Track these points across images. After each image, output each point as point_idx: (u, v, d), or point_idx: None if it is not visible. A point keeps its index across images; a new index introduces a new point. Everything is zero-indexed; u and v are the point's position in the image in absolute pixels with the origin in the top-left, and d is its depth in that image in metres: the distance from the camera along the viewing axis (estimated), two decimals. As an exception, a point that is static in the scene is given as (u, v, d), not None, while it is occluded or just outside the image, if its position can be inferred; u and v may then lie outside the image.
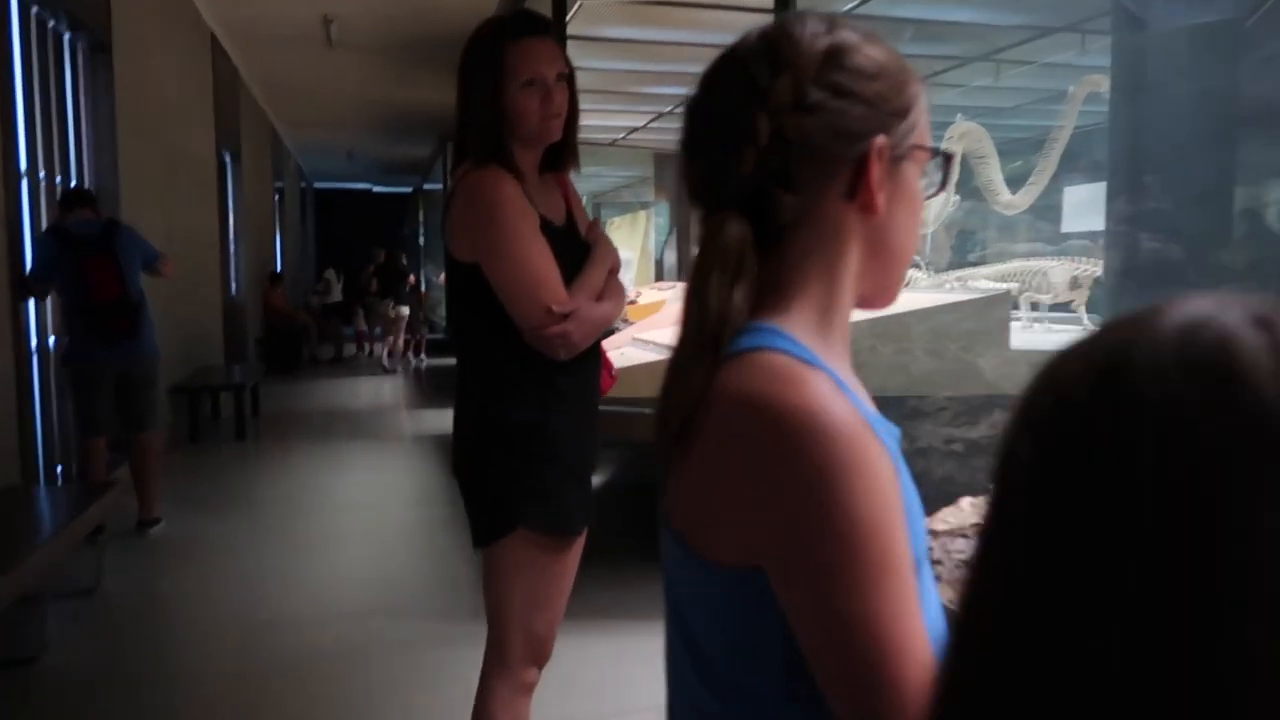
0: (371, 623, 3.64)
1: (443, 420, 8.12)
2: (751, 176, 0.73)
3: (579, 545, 1.92)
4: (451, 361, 10.89)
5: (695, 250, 0.75)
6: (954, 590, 1.70)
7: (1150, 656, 0.40)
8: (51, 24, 5.19)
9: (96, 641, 3.54)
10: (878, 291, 0.80)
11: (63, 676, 3.22)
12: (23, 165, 4.59)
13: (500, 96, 1.78)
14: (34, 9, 4.88)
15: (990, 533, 0.48)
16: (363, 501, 5.78)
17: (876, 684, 0.64)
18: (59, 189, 5.10)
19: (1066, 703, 0.42)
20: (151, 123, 6.67)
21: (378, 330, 13.54)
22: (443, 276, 15.87)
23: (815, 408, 0.65)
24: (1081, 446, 0.43)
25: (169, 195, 7.13)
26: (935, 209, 5.89)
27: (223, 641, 3.53)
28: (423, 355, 13.34)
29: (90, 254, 4.45)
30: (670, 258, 11.18)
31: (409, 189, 21.50)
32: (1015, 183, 6.08)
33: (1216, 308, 0.44)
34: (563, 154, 1.92)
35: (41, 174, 4.99)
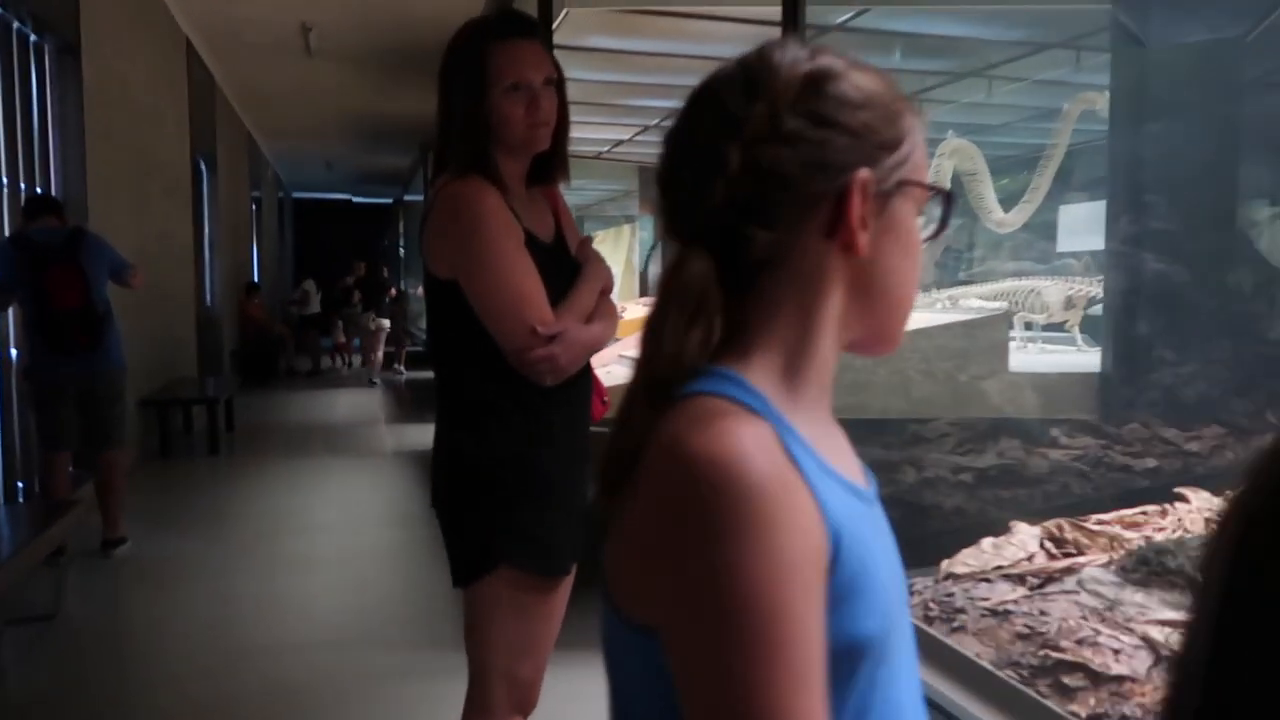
0: (349, 652, 3.50)
1: (424, 435, 7.92)
2: (722, 210, 0.69)
3: (567, 585, 1.80)
4: (430, 375, 10.69)
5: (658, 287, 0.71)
6: (980, 642, 1.58)
7: None
8: (16, 25, 5.03)
9: (56, 670, 3.38)
10: (873, 337, 0.75)
11: (19, 708, 3.06)
12: (-15, 171, 4.43)
13: (483, 102, 1.67)
14: (-1, 9, 4.72)
15: (1209, 631, 0.46)
16: (340, 522, 5.62)
17: None
18: (23, 196, 4.94)
19: None
20: (122, 128, 6.51)
21: (356, 342, 13.40)
22: (422, 289, 15.77)
23: (729, 458, 0.61)
24: None
25: (140, 203, 6.97)
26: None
27: (191, 670, 3.37)
28: (399, 367, 13.18)
29: (53, 263, 4.30)
30: (655, 272, 11.10)
31: (389, 200, 21.40)
32: (1004, 200, 6.02)
33: None
34: (551, 165, 1.81)
35: (4, 180, 4.82)
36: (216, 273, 10.29)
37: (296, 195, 22.02)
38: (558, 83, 1.75)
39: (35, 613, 3.74)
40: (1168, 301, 3.74)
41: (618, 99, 7.15)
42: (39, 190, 5.18)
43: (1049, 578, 1.78)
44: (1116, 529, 1.96)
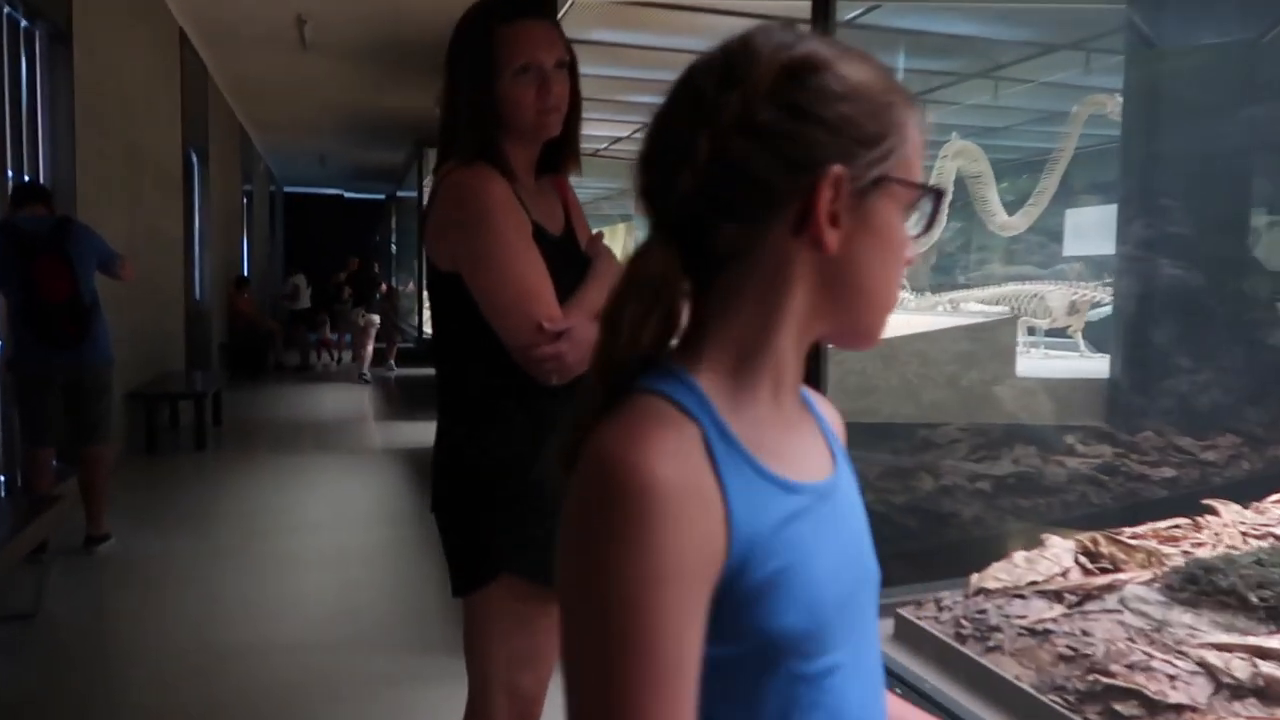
0: (338, 654, 3.41)
1: (415, 433, 7.97)
2: (690, 199, 0.68)
3: None
4: (424, 371, 10.77)
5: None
6: (1018, 663, 1.48)
7: None
8: (7, 10, 4.93)
9: (36, 670, 3.27)
10: (847, 332, 0.74)
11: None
12: (-29, 157, 4.32)
13: (491, 86, 1.59)
14: (-11, -7, 4.62)
15: None
16: (329, 520, 5.52)
17: None
18: (10, 184, 4.82)
19: None
20: (113, 118, 6.40)
21: (346, 338, 13.31)
22: (412, 284, 15.77)
23: (631, 462, 0.62)
24: None
25: (131, 194, 6.85)
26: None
27: (176, 671, 3.26)
28: (391, 363, 13.10)
29: (41, 252, 4.19)
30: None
31: (382, 196, 21.27)
32: (1008, 204, 5.97)
33: None
34: (562, 153, 1.73)
35: (-9, 167, 4.71)
36: (206, 266, 10.17)
37: (288, 190, 21.89)
38: (570, 66, 1.67)
39: (15, 611, 3.64)
40: (1181, 307, 3.68)
41: (617, 95, 7.07)
42: (26, 178, 5.06)
43: (1088, 595, 1.69)
44: (1153, 543, 1.89)
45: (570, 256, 1.69)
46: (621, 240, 12.06)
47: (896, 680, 1.61)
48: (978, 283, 6.73)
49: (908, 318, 4.75)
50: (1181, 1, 4.03)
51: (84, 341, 4.32)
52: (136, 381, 6.86)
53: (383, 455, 7.48)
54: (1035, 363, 4.89)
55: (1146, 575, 1.72)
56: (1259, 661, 1.36)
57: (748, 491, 0.66)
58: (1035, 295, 5.64)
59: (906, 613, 1.76)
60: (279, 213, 20.63)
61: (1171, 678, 1.36)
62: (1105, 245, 4.65)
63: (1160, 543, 1.91)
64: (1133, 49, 4.22)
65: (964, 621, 1.67)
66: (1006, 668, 1.49)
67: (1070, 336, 5.59)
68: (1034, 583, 1.74)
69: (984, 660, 1.54)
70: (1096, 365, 4.63)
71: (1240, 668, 1.35)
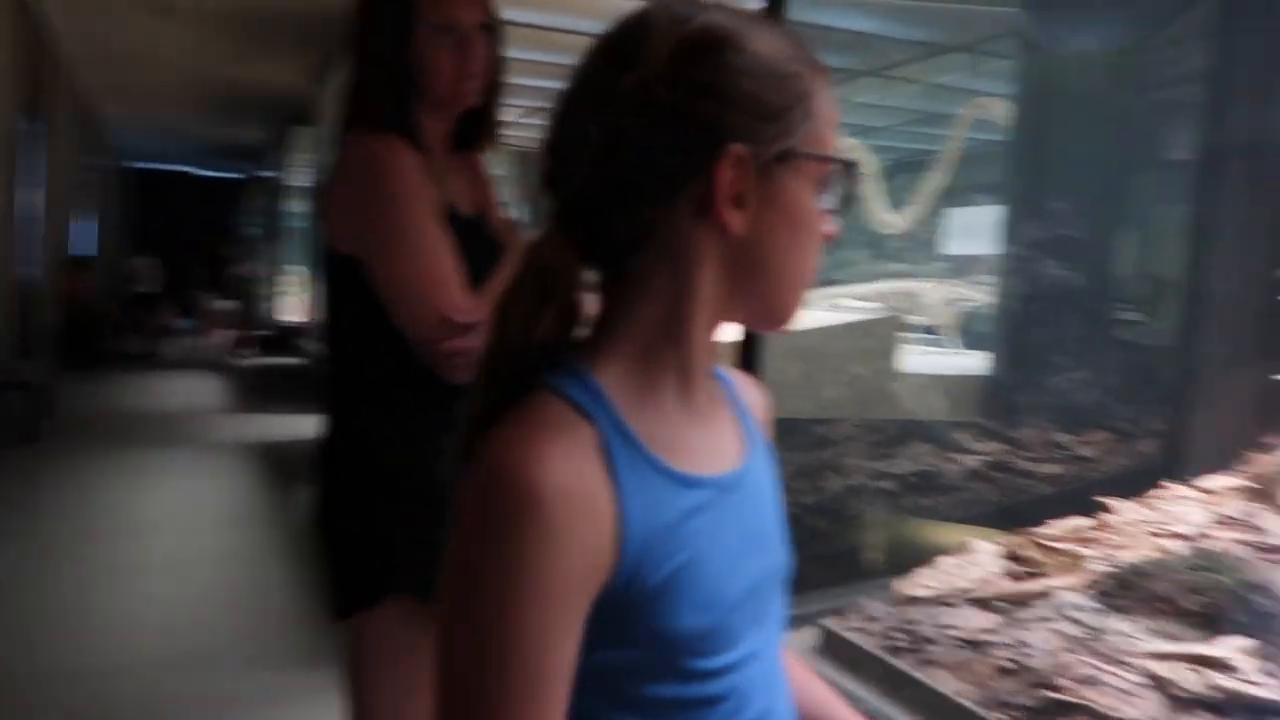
0: (184, 673, 3.10)
1: (269, 427, 7.54)
2: (589, 186, 0.66)
3: None
4: (280, 361, 10.19)
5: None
6: (956, 677, 1.38)
7: None
8: None
9: None
10: (761, 315, 0.72)
11: None
12: None
13: (405, 46, 1.45)
14: None
15: None
16: (173, 522, 5.09)
17: None
18: None
19: None
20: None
21: (196, 323, 12.60)
22: (262, 268, 15.11)
23: (516, 469, 0.61)
24: None
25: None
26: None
27: (-6, 699, 2.89)
28: (247, 351, 12.51)
29: None
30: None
31: (241, 175, 20.30)
32: (892, 203, 6.06)
33: None
34: (479, 127, 1.58)
35: None
36: (36, 245, 9.35)
37: (139, 165, 20.65)
38: (492, 29, 1.51)
39: None
40: (1060, 306, 3.76)
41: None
42: None
43: (1020, 602, 1.62)
44: (1073, 546, 1.84)
45: (483, 241, 1.54)
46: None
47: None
48: (855, 279, 6.83)
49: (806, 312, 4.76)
50: (1068, 7, 4.13)
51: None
52: (-46, 368, 6.21)
53: (233, 451, 7.01)
54: (913, 359, 4.96)
55: (1077, 581, 1.67)
56: (1208, 672, 1.30)
57: (644, 491, 0.64)
58: (909, 293, 5.74)
59: (832, 624, 1.65)
60: (129, 190, 19.38)
61: (1121, 691, 1.29)
62: (985, 245, 4.75)
63: (1078, 545, 1.86)
64: (1021, 53, 4.31)
65: (895, 633, 1.56)
66: (945, 682, 1.39)
67: (944, 335, 5.71)
68: (964, 590, 1.65)
69: (920, 675, 1.43)
70: (970, 362, 4.74)
71: (1190, 679, 1.29)
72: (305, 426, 8.03)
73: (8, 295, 8.15)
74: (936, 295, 5.66)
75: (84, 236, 12.66)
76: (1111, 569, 1.65)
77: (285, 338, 10.66)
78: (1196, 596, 1.47)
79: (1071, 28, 4.06)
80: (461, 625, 0.62)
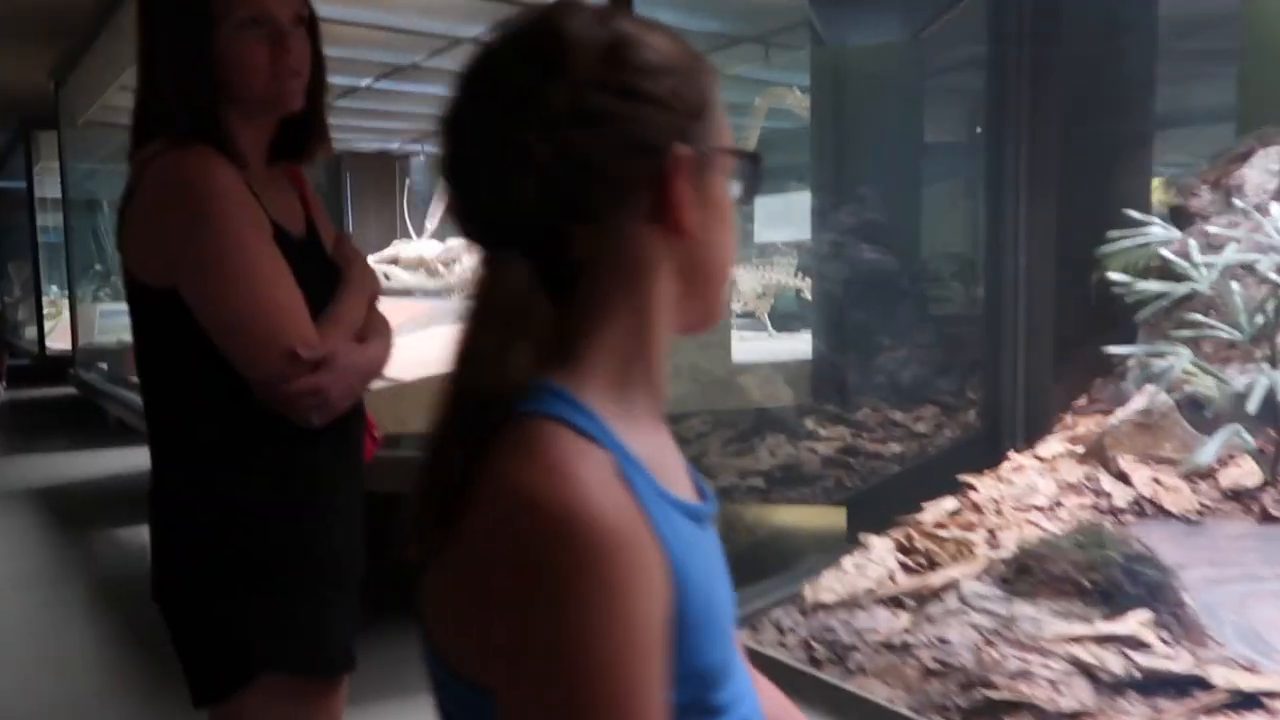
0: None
1: (37, 469, 6.79)
2: (535, 207, 0.62)
3: (344, 687, 1.42)
4: (41, 393, 9.11)
5: (466, 301, 0.64)
6: (886, 685, 1.38)
7: None
8: None
9: None
10: (701, 318, 0.71)
11: None
12: None
13: (206, 41, 1.27)
14: None
15: None
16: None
17: None
18: None
19: None
20: None
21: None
22: (19, 291, 13.52)
23: (573, 507, 0.56)
24: None
25: None
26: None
27: None
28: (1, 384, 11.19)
29: None
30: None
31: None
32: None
33: None
34: (306, 134, 1.42)
35: None
36: None
37: None
38: (310, 24, 1.36)
39: None
40: (877, 288, 3.93)
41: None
42: None
43: (925, 597, 1.65)
44: (956, 531, 1.90)
45: (317, 262, 1.39)
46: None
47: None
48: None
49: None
50: (855, 2, 4.32)
51: None
52: None
53: (3, 499, 6.21)
54: (738, 346, 5.06)
55: (975, 568, 1.72)
56: (1127, 651, 1.37)
57: (665, 523, 0.60)
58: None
59: (749, 641, 1.61)
60: None
61: (1051, 682, 1.32)
62: (793, 232, 4.90)
63: (961, 529, 1.93)
64: (812, 44, 4.47)
65: (813, 643, 1.55)
66: (876, 691, 1.38)
67: (758, 318, 5.86)
68: (869, 590, 1.66)
69: (851, 686, 1.42)
70: (791, 346, 4.88)
71: (1114, 662, 1.35)
72: (86, 465, 7.21)
73: None
74: (752, 281, 5.79)
75: None
76: (1006, 554, 1.72)
77: (52, 367, 9.59)
78: (1091, 574, 1.55)
79: (853, 21, 4.26)
80: (564, 698, 0.55)
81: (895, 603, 1.66)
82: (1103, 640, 1.42)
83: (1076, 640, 1.44)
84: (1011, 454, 2.54)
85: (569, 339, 0.65)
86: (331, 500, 1.37)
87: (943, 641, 1.48)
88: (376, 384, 1.45)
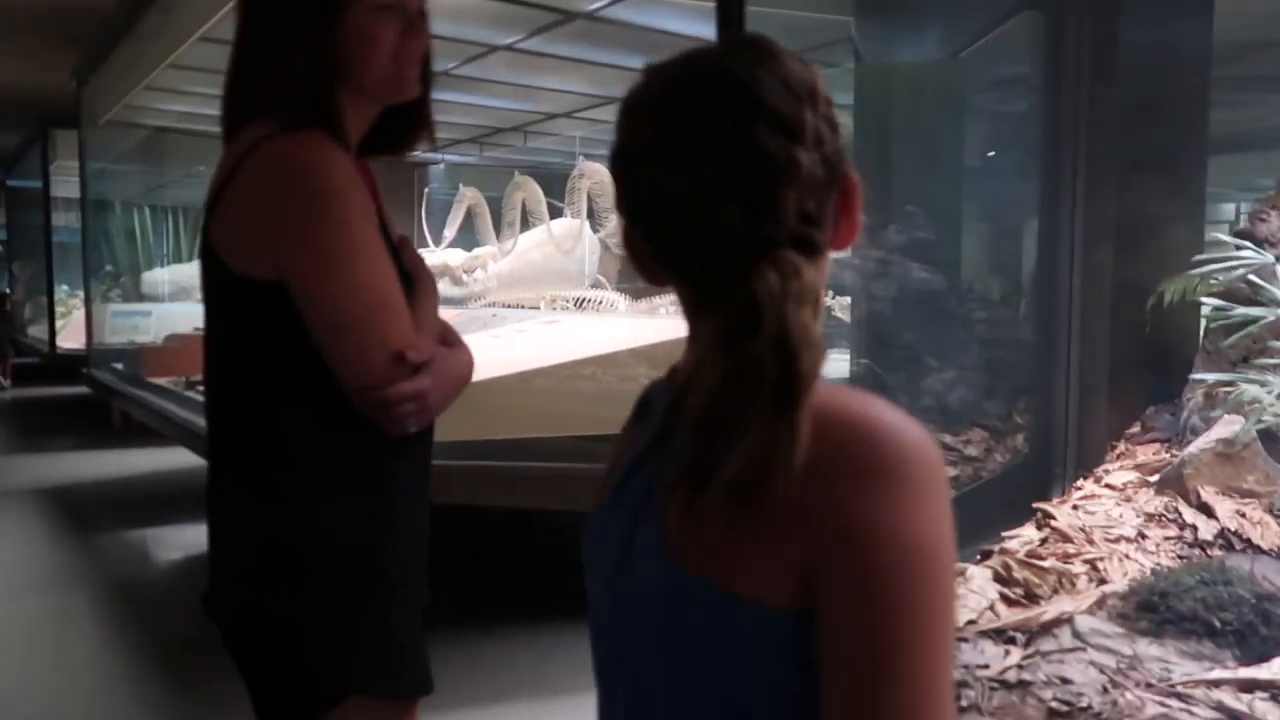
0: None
1: (46, 468, 6.74)
2: (794, 219, 0.67)
3: (419, 710, 1.36)
4: (47, 391, 9.09)
5: (773, 291, 0.65)
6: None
7: None
8: None
9: None
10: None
11: None
12: None
13: (335, 23, 1.21)
14: None
15: None
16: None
17: None
18: None
19: None
20: None
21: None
22: (19, 288, 13.47)
23: (921, 438, 0.65)
24: None
25: None
26: (612, 227, 5.72)
27: None
28: (4, 381, 11.19)
29: None
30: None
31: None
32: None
33: None
34: (413, 123, 1.37)
35: None
36: None
37: None
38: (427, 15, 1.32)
39: None
40: (925, 308, 3.84)
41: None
42: None
43: (1035, 632, 1.55)
44: (1055, 563, 1.80)
45: (400, 269, 1.30)
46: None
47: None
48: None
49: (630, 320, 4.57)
50: (893, 18, 4.24)
51: None
52: None
53: (9, 499, 6.11)
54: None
55: (1086, 602, 1.62)
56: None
57: None
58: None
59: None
60: None
61: (1199, 731, 1.23)
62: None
63: (1060, 560, 1.83)
64: (854, 60, 4.41)
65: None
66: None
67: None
68: (970, 621, 1.56)
69: (969, 728, 1.32)
70: (836, 367, 4.81)
71: (1267, 709, 1.25)
72: (98, 465, 7.16)
73: None
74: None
75: None
76: (1118, 588, 1.62)
77: (63, 366, 9.57)
78: (1221, 613, 1.45)
79: (894, 39, 4.20)
80: (917, 603, 0.61)
81: (1001, 636, 1.57)
82: (1247, 685, 1.33)
83: (1216, 685, 1.34)
84: (1081, 482, 2.44)
85: None
86: (409, 515, 1.31)
87: (1064, 681, 1.38)
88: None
